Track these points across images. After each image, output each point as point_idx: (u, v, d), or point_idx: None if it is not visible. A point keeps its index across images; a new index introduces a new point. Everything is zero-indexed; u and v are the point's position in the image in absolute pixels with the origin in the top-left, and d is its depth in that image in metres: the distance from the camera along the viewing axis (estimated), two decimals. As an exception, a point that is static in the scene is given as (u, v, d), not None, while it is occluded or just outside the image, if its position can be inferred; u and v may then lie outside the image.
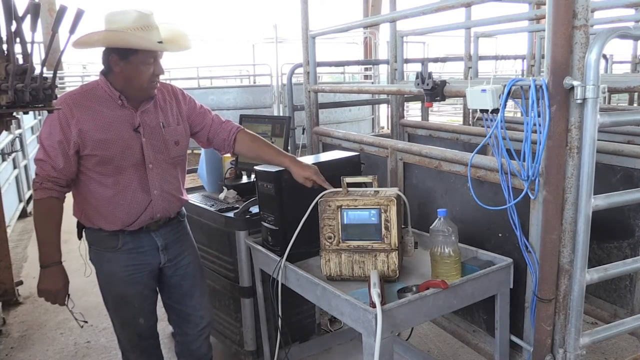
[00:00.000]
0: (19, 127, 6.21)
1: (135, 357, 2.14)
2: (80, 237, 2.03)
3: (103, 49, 1.86)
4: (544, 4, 1.61)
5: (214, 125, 2.16)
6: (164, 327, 2.21)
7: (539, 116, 1.56)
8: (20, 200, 6.01)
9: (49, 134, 1.84)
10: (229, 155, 2.52)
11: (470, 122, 4.47)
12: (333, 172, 2.09)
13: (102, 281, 2.03)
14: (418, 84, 1.94)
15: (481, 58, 4.86)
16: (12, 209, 5.49)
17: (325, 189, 1.96)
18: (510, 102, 1.67)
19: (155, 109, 1.98)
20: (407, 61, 4.42)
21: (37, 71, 1.46)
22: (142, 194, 1.95)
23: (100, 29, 1.83)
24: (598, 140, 1.53)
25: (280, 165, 2.04)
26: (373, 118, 10.93)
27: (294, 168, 2.01)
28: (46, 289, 1.89)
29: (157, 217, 2.00)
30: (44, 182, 1.84)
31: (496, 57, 6.49)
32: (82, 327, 2.08)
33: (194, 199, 2.79)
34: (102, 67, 1.92)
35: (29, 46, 1.48)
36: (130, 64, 1.83)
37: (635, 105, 5.86)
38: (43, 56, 1.54)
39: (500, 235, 1.96)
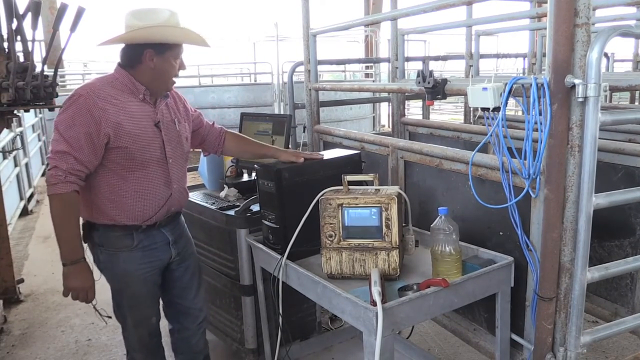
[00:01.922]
0: (19, 125, 6.22)
1: (142, 357, 2.14)
2: (86, 239, 1.97)
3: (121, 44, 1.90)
4: (546, 2, 1.61)
5: (207, 126, 2.28)
6: (164, 325, 2.21)
7: (540, 114, 1.56)
8: (21, 199, 6.01)
9: (73, 124, 1.77)
10: None
11: (471, 121, 4.47)
12: (334, 171, 2.09)
13: (116, 283, 2.00)
14: (419, 82, 1.94)
15: (482, 56, 4.85)
16: (13, 207, 5.50)
17: (316, 158, 2.13)
18: (511, 101, 1.67)
19: (166, 106, 2.03)
20: (408, 59, 4.40)
21: (38, 69, 1.47)
22: (164, 188, 1.98)
23: (133, 25, 1.83)
24: (599, 138, 1.52)
25: (266, 156, 2.20)
26: (374, 116, 10.92)
27: (280, 153, 2.18)
28: (77, 286, 1.83)
29: (171, 211, 2.05)
30: (68, 175, 1.77)
31: (497, 56, 6.47)
32: (106, 323, 2.06)
33: (195, 197, 2.79)
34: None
35: (29, 44, 1.48)
36: (163, 59, 1.88)
37: (636, 103, 5.85)
38: (44, 54, 1.54)
39: (501, 233, 1.96)
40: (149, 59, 1.86)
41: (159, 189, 1.96)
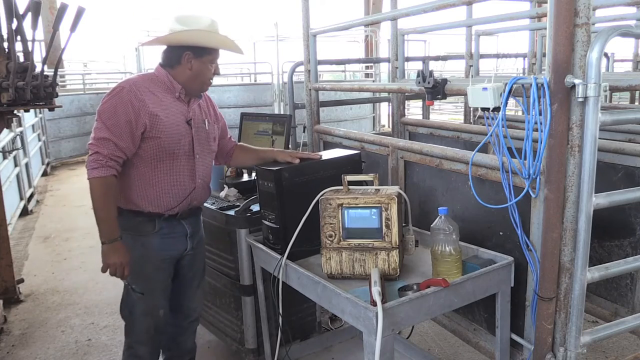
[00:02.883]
0: (19, 125, 6.23)
1: (146, 351, 2.17)
2: None
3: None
4: (546, 2, 1.61)
5: (226, 136, 2.38)
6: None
7: (540, 114, 1.56)
8: (21, 199, 6.01)
9: (114, 113, 1.91)
10: None
11: (471, 121, 4.47)
12: (334, 171, 2.09)
13: (134, 265, 2.04)
14: (419, 82, 1.94)
15: (482, 56, 4.85)
16: (13, 207, 5.50)
17: (314, 158, 2.18)
18: (511, 101, 1.67)
19: (199, 107, 2.15)
20: (408, 59, 4.41)
21: (38, 69, 1.47)
22: (190, 181, 2.09)
23: (176, 29, 1.98)
24: (599, 138, 1.52)
25: (266, 158, 2.27)
26: (374, 116, 10.91)
27: (277, 154, 2.25)
28: (115, 261, 1.94)
29: (193, 204, 2.14)
30: (108, 160, 1.89)
31: (497, 56, 6.47)
32: (141, 294, 2.08)
33: (195, 197, 2.80)
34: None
35: (29, 44, 1.48)
36: (201, 62, 2.02)
37: (636, 103, 5.85)
38: (44, 54, 1.54)
39: (501, 233, 1.96)
40: (187, 60, 2.00)
41: (184, 181, 2.07)
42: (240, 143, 2.48)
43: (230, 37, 2.15)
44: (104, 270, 1.96)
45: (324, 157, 2.25)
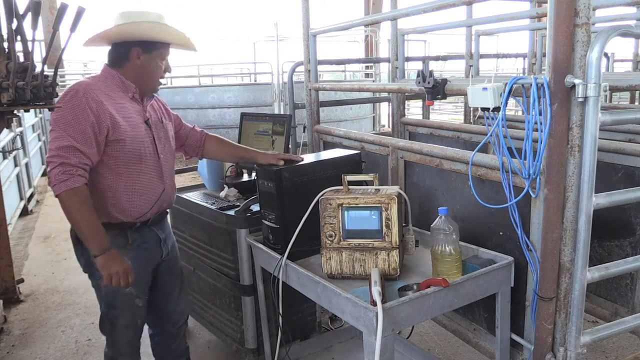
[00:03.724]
0: (19, 125, 6.22)
1: None
2: (78, 241, 1.92)
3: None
4: (546, 2, 1.61)
5: (187, 128, 2.30)
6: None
7: (540, 114, 1.56)
8: (21, 199, 6.01)
9: (74, 118, 1.78)
10: None
11: (471, 121, 4.47)
12: (334, 171, 2.09)
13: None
14: (419, 82, 1.94)
15: (482, 56, 4.85)
16: (13, 207, 5.50)
17: (297, 161, 2.12)
18: (511, 101, 1.67)
19: (152, 106, 2.08)
20: (408, 59, 4.40)
21: (38, 69, 1.46)
22: (159, 182, 2.01)
23: (120, 24, 1.87)
24: (599, 138, 1.52)
25: (245, 158, 2.27)
26: (374, 116, 10.91)
27: (259, 156, 2.21)
28: (118, 270, 1.82)
29: (163, 208, 2.07)
30: (78, 169, 1.77)
31: (497, 56, 6.47)
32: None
33: (195, 197, 2.79)
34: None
35: (29, 44, 1.48)
36: (151, 58, 1.92)
37: (636, 103, 5.85)
38: (44, 54, 1.54)
39: (501, 233, 1.96)
40: (136, 56, 1.90)
41: (153, 183, 1.99)
42: (215, 135, 2.38)
43: (183, 32, 2.02)
44: (107, 282, 1.83)
45: (323, 157, 2.25)
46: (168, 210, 2.17)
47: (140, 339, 2.14)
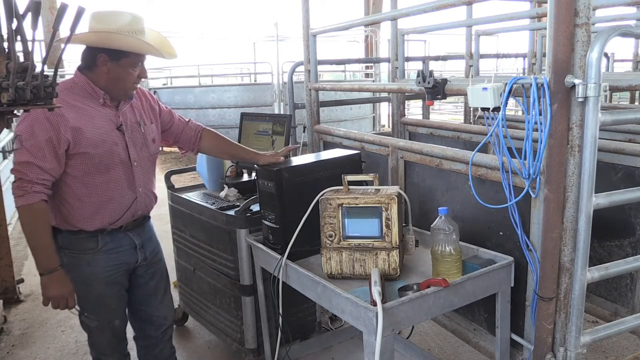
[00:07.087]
0: (20, 125, 6.21)
1: None
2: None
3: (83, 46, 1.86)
4: (546, 2, 1.61)
5: (180, 124, 2.25)
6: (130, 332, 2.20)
7: (540, 114, 1.56)
8: (21, 198, 6.00)
9: (32, 133, 1.74)
10: None
11: (471, 121, 4.47)
12: (334, 171, 2.09)
13: (81, 285, 1.94)
14: (419, 82, 1.94)
15: (482, 56, 4.85)
16: (13, 207, 5.48)
17: (292, 149, 2.15)
18: (511, 101, 1.67)
19: (131, 108, 2.01)
20: (408, 59, 4.41)
21: (38, 69, 1.46)
22: (129, 191, 1.96)
23: (92, 28, 1.80)
24: (599, 138, 1.52)
25: (244, 159, 2.28)
26: (374, 116, 10.92)
27: (258, 157, 2.20)
28: (56, 294, 1.82)
29: (137, 215, 2.02)
30: (34, 185, 1.75)
31: (497, 56, 6.46)
32: (98, 321, 2.03)
33: (195, 197, 2.80)
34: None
35: (29, 44, 1.48)
36: (119, 66, 1.83)
37: (636, 103, 5.84)
38: (44, 54, 1.54)
39: (501, 233, 1.96)
40: (102, 63, 1.83)
41: (123, 193, 1.94)
42: (213, 130, 2.34)
43: (160, 37, 1.94)
44: (45, 304, 1.82)
45: (323, 157, 2.25)
46: (149, 215, 2.12)
47: (125, 337, 2.15)
